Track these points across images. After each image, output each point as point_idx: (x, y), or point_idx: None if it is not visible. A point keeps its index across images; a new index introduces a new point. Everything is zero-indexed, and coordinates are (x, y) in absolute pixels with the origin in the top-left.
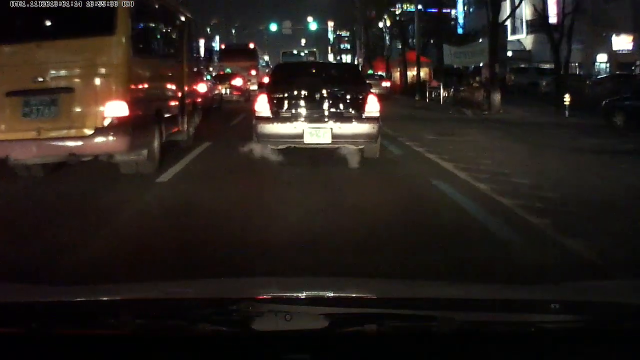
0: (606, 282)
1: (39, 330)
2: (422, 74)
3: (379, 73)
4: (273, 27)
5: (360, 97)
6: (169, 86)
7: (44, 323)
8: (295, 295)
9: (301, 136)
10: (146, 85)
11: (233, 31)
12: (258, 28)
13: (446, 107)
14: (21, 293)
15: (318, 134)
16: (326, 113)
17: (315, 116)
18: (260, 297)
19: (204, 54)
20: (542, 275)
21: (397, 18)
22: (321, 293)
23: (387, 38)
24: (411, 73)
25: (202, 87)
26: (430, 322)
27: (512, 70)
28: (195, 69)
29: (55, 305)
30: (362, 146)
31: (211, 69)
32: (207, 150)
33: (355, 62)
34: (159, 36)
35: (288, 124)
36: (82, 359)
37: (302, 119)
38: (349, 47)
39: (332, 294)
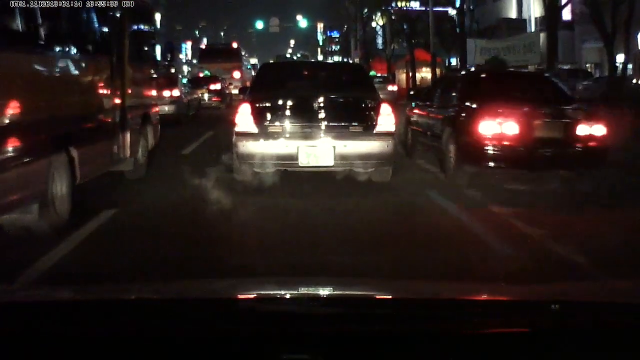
0: (606, 282)
1: (38, 330)
2: (429, 75)
3: (380, 75)
4: (259, 24)
5: (370, 107)
6: (87, 95)
7: (43, 323)
8: (295, 295)
9: (295, 157)
10: (27, 96)
11: (222, 34)
12: (247, 31)
13: None
14: (20, 293)
15: (317, 155)
16: (327, 127)
17: (313, 131)
18: (260, 297)
19: (164, 52)
20: None
21: (393, 17)
22: (321, 293)
23: (388, 36)
24: (419, 75)
25: (174, 93)
26: (430, 322)
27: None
28: (150, 70)
29: (53, 305)
30: (372, 169)
31: (173, 70)
32: (80, 249)
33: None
34: (53, 17)
35: (278, 141)
36: (81, 359)
37: (296, 135)
38: (339, 48)
39: (332, 294)
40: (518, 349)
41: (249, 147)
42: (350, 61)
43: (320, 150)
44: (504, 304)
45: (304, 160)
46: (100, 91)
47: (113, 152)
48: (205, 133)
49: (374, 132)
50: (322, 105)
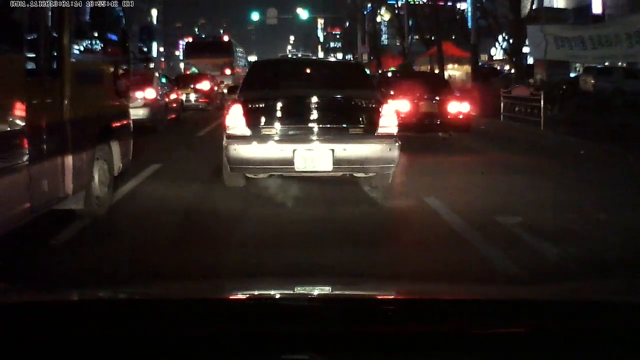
0: (605, 282)
1: (38, 330)
2: (458, 73)
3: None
4: (255, 16)
5: (371, 107)
6: None
7: (42, 323)
8: (295, 295)
9: (290, 161)
10: None
11: (221, 31)
12: (246, 28)
13: (562, 139)
14: (20, 293)
15: (314, 159)
16: (325, 129)
17: (310, 134)
18: (259, 297)
19: (139, 41)
20: None
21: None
22: (320, 293)
23: (405, 28)
24: (446, 72)
25: (149, 94)
26: (430, 322)
27: (586, 70)
28: (117, 68)
29: (52, 305)
30: (374, 173)
31: (152, 65)
32: None
33: (353, 59)
34: None
35: (272, 144)
36: (81, 359)
37: (292, 138)
38: (340, 45)
39: (331, 294)
40: (518, 349)
41: (240, 151)
42: (357, 57)
43: (318, 154)
44: (504, 304)
45: (301, 165)
46: (14, 110)
47: (38, 189)
48: (149, 166)
49: (375, 134)
50: (319, 105)
